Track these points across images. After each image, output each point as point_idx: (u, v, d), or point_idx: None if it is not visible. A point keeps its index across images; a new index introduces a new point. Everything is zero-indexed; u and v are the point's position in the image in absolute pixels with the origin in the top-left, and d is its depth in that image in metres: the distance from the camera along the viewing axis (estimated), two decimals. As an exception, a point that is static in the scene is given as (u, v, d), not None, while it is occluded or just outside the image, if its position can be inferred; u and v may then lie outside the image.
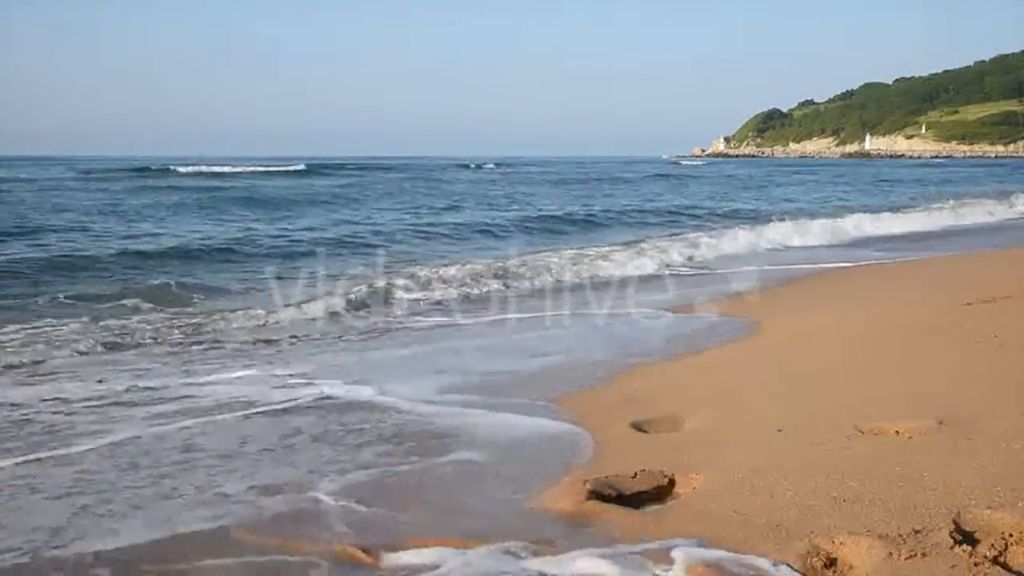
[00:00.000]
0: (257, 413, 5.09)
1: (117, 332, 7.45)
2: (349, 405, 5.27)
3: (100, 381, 5.84)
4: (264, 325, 7.99)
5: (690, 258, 13.26)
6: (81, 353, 6.79)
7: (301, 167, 50.52)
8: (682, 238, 15.36)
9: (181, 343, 7.25)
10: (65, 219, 18.28)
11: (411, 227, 18.04)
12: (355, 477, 4.01)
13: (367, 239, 15.75)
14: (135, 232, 16.32)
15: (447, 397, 5.42)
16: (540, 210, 23.37)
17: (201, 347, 7.09)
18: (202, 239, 14.90)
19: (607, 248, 13.79)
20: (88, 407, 5.23)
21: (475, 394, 5.47)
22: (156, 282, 10.13)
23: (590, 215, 21.68)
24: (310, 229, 17.29)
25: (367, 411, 5.13)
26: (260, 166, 51.06)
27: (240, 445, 4.50)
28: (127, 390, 5.63)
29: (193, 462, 4.24)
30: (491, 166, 65.37)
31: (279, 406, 5.23)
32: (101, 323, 7.81)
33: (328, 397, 5.43)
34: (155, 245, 13.87)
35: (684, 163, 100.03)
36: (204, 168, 48.40)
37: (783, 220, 18.00)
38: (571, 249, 13.70)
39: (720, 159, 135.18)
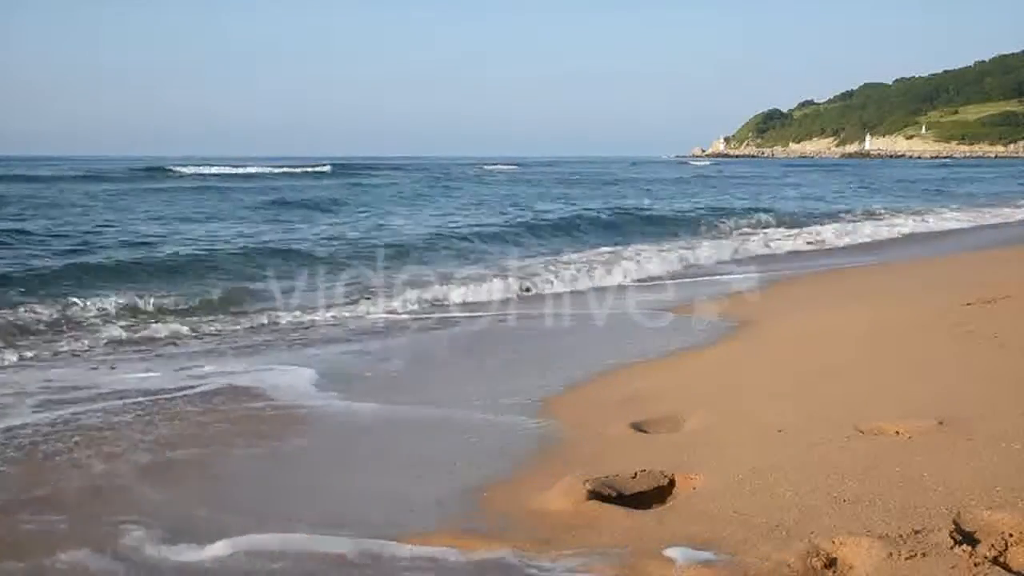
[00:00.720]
0: (143, 400, 5.40)
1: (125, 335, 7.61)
2: (237, 393, 5.56)
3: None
4: (253, 327, 8.00)
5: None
6: (76, 353, 6.94)
7: (326, 168, 49.33)
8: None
9: (165, 342, 7.42)
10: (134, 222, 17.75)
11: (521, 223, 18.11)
12: (174, 455, 4.42)
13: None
14: (198, 235, 15.77)
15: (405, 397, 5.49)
16: (638, 207, 23.28)
17: (173, 346, 7.28)
18: (290, 240, 14.61)
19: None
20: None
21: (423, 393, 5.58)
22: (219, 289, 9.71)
23: (687, 212, 21.80)
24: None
25: (258, 402, 5.39)
26: (285, 167, 49.22)
27: (102, 425, 4.87)
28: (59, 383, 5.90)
29: (60, 439, 4.63)
30: (516, 167, 63.07)
31: (168, 395, 5.53)
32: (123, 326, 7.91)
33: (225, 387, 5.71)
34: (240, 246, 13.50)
35: (693, 163, 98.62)
36: (229, 169, 46.82)
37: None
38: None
39: (722, 159, 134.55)
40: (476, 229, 16.70)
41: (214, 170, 46.37)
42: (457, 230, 16.66)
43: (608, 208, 22.14)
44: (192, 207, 22.11)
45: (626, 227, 18.26)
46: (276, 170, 45.65)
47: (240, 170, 47.03)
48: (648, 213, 21.24)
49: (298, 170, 45.67)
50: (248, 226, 17.63)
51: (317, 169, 47.88)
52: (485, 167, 61.93)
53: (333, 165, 53.25)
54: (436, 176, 44.42)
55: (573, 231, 17.46)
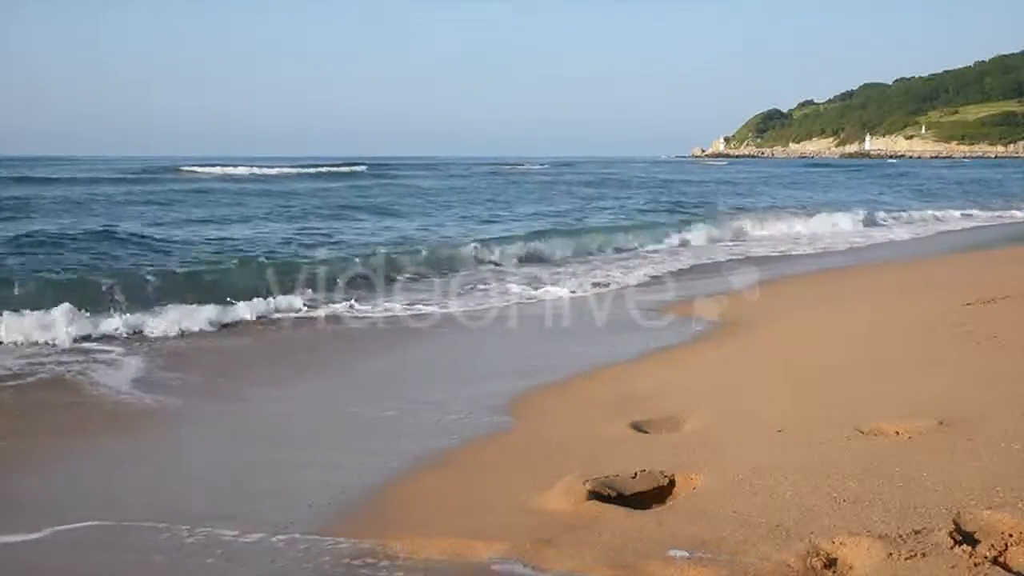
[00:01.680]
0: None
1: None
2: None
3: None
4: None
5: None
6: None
7: (362, 168, 47.51)
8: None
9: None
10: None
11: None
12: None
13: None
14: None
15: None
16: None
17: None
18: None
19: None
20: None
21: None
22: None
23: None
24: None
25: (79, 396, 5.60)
26: (298, 167, 46.37)
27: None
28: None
29: None
30: (541, 167, 59.75)
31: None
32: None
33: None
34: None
35: (710, 163, 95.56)
36: (245, 170, 44.10)
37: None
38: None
39: (726, 160, 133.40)
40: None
41: (235, 171, 43.69)
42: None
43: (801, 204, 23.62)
44: (265, 208, 20.04)
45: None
46: (304, 171, 42.86)
47: (263, 171, 44.06)
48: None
49: (324, 170, 43.40)
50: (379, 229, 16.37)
51: (343, 169, 46.05)
52: (515, 167, 58.64)
53: (367, 165, 51.27)
54: (493, 177, 42.23)
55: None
